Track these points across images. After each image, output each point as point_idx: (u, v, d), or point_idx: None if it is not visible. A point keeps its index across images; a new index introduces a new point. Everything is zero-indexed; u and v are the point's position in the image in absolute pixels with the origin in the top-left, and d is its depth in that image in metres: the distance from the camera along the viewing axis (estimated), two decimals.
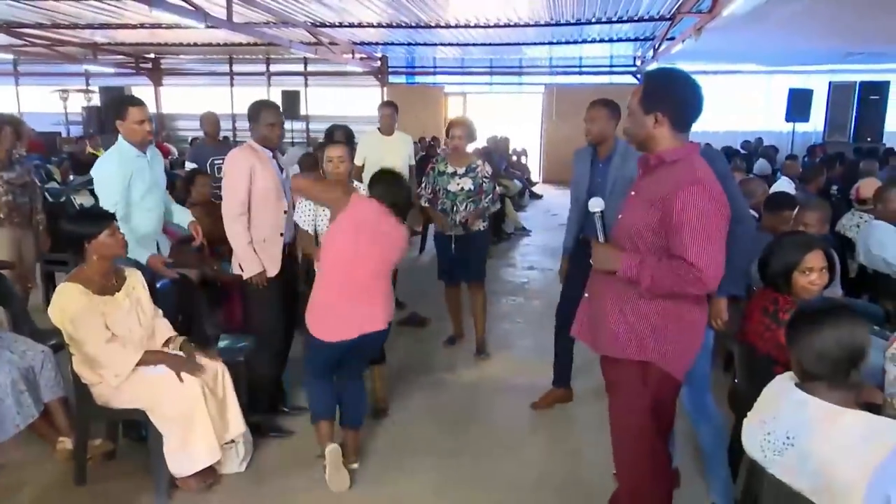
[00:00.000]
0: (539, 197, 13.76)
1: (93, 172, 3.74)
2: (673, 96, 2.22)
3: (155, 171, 3.91)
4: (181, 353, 3.23)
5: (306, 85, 16.28)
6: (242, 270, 3.61)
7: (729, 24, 8.24)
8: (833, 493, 1.69)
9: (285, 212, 3.72)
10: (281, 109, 3.82)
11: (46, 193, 8.13)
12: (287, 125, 15.76)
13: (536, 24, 11.47)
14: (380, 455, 3.62)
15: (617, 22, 11.11)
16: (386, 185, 3.25)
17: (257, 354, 3.72)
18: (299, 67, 16.30)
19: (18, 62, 16.83)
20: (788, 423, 1.81)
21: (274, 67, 16.53)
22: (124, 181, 3.63)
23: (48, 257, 5.59)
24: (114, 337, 3.01)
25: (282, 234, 3.71)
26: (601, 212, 2.37)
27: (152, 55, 16.45)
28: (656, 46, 12.47)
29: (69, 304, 2.95)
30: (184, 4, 8.04)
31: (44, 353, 3.44)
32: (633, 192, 2.35)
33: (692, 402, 2.98)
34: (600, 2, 9.73)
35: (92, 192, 8.89)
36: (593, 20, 11.07)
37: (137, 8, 10.03)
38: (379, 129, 5.92)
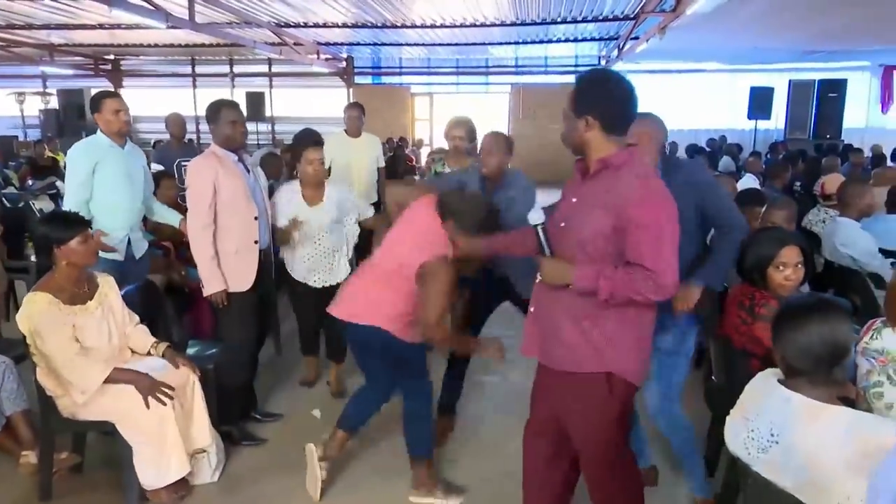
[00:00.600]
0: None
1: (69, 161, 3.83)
2: (602, 99, 2.15)
3: (130, 164, 3.90)
4: (164, 359, 3.17)
5: (271, 86, 16.10)
6: (202, 285, 3.48)
7: (692, 23, 8.36)
8: (817, 488, 1.70)
9: (256, 217, 3.57)
10: (243, 109, 3.74)
11: (4, 199, 7.94)
12: (252, 127, 15.67)
13: (502, 24, 11.50)
14: (358, 461, 3.57)
15: (581, 21, 11.19)
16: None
17: (227, 362, 3.60)
18: (264, 68, 16.12)
19: None
20: (772, 420, 1.81)
21: (238, 68, 16.32)
22: (88, 166, 3.72)
23: (7, 265, 5.42)
24: (82, 351, 2.90)
25: (256, 242, 3.57)
26: (543, 224, 2.25)
27: (112, 56, 16.12)
28: (621, 46, 12.59)
29: (36, 315, 2.83)
30: (144, 4, 7.87)
31: (4, 363, 3.31)
32: (573, 199, 2.26)
33: (664, 412, 2.94)
34: (565, 1, 9.79)
35: (52, 197, 8.74)
36: (558, 20, 11.14)
37: (96, 8, 9.80)
38: (346, 130, 5.78)
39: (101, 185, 3.79)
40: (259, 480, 3.36)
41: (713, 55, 13.69)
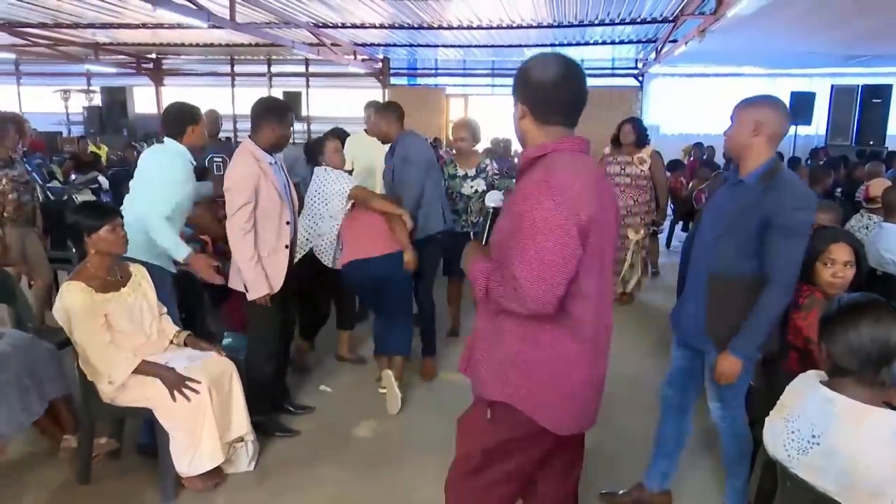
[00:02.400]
0: None
1: (160, 172, 3.52)
2: (529, 84, 1.89)
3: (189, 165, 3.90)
4: (188, 347, 3.22)
5: (308, 86, 16.23)
6: (246, 290, 3.46)
7: (733, 25, 8.21)
8: (861, 493, 1.66)
9: (288, 222, 3.56)
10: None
11: (48, 192, 8.13)
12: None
13: (539, 26, 11.45)
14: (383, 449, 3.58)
15: (619, 24, 11.10)
16: None
17: (255, 354, 3.64)
18: (301, 68, 16.24)
19: (20, 62, 16.77)
20: (814, 421, 1.77)
21: (275, 68, 16.48)
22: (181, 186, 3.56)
23: (50, 255, 5.56)
24: (113, 341, 2.96)
25: (287, 246, 3.57)
26: (495, 208, 2.11)
27: (154, 55, 16.40)
28: (659, 49, 12.46)
29: (70, 303, 2.90)
30: (187, 4, 8.00)
31: (48, 350, 3.39)
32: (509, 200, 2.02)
33: (726, 419, 2.81)
34: (603, 3, 9.71)
35: (94, 192, 8.93)
36: (596, 22, 11.05)
37: (140, 7, 10.04)
38: (366, 130, 5.46)
39: (184, 195, 3.64)
40: (291, 471, 3.39)
41: (752, 59, 13.44)
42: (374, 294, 4.22)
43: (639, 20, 10.73)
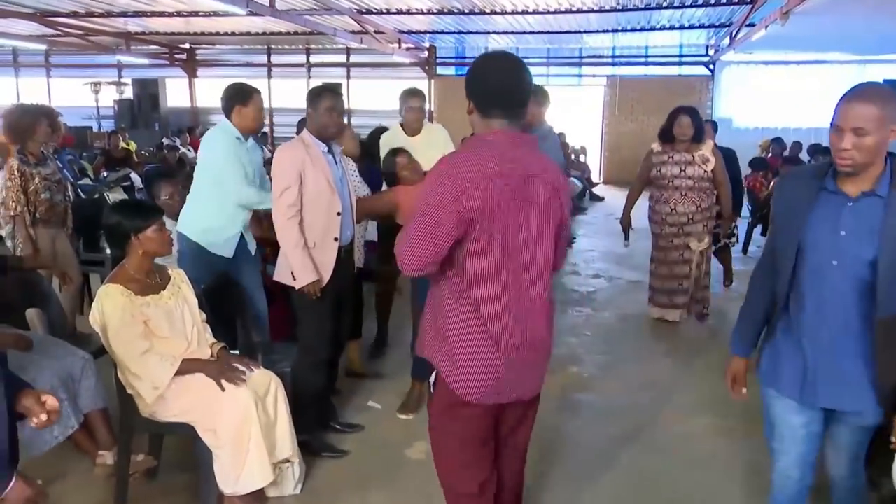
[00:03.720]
0: (600, 199, 13.56)
1: (213, 151, 3.97)
2: (472, 81, 2.23)
3: (252, 159, 4.07)
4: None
5: (348, 77, 16.37)
6: (294, 278, 3.50)
7: (821, 7, 7.97)
8: None
9: (339, 213, 3.55)
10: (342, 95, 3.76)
11: (80, 190, 8.32)
12: None
13: (601, 10, 11.30)
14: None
15: (690, 6, 10.88)
16: None
17: (303, 365, 3.63)
18: (341, 58, 16.40)
19: (50, 53, 17.28)
20: None
21: (314, 58, 16.67)
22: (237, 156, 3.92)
23: (83, 257, 5.67)
24: (153, 347, 2.98)
25: (336, 239, 3.57)
26: None
27: (187, 45, 16.73)
28: (733, 33, 12.19)
29: (108, 308, 2.92)
30: None
31: (84, 359, 3.43)
32: None
33: (851, 489, 2.55)
34: None
35: (126, 189, 9.11)
36: (664, 5, 10.86)
37: None
38: (402, 124, 5.13)
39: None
40: (340, 496, 3.36)
41: (839, 44, 13.03)
42: None
43: (712, 2, 10.52)
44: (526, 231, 2.19)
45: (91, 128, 15.91)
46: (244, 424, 2.93)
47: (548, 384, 4.49)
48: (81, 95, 15.88)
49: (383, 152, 5.15)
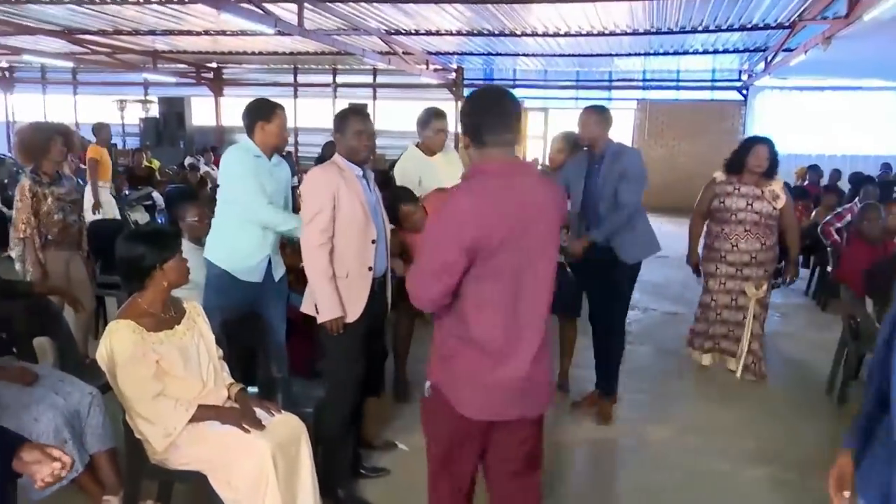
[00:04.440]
0: None
1: (230, 169, 3.78)
2: (466, 115, 2.32)
3: (277, 178, 3.86)
4: (236, 406, 2.94)
5: (375, 97, 16.26)
6: (317, 311, 3.27)
7: (864, 32, 7.69)
8: None
9: (374, 241, 3.35)
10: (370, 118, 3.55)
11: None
12: None
13: (633, 33, 11.07)
14: None
15: (726, 30, 10.61)
16: None
17: (330, 407, 3.38)
18: (367, 79, 16.30)
19: (77, 70, 17.35)
20: None
21: (340, 78, 16.59)
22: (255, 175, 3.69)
23: (100, 280, 5.47)
24: (165, 390, 2.74)
25: (370, 269, 3.35)
26: None
27: (214, 64, 16.72)
28: (768, 58, 11.90)
29: (117, 346, 2.68)
30: (254, 9, 7.97)
31: (92, 395, 3.20)
32: None
33: None
34: (709, 8, 9.27)
35: (148, 209, 8.97)
36: (699, 28, 10.59)
37: (202, 14, 10.15)
38: (422, 145, 4.87)
39: None
40: None
41: (874, 71, 12.67)
42: None
43: (749, 26, 10.24)
44: (527, 256, 2.24)
45: (115, 145, 15.88)
46: (261, 477, 2.67)
47: (582, 425, 4.29)
48: (107, 113, 15.86)
49: (400, 174, 4.95)
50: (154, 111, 16.57)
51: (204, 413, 2.77)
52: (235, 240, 3.74)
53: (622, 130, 15.78)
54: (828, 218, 6.98)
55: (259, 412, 2.91)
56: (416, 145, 4.94)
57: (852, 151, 13.75)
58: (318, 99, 16.46)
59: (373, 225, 3.35)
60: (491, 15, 9.99)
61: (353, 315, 3.30)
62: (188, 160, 13.52)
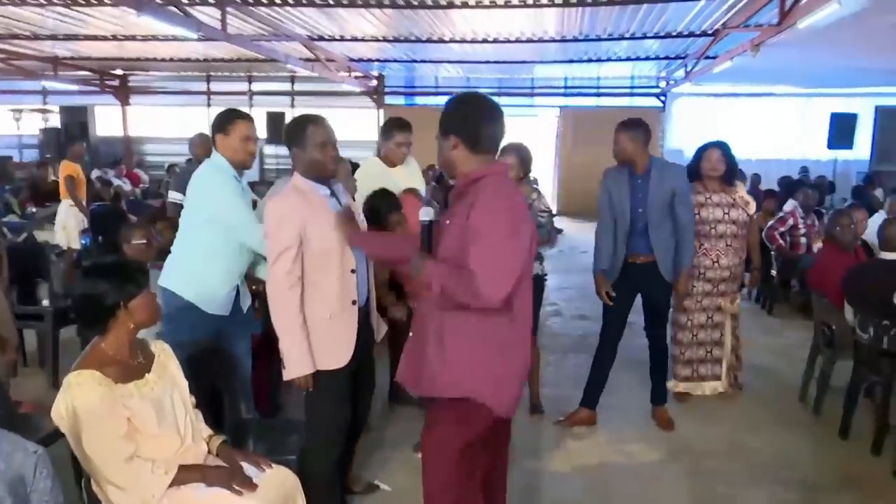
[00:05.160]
0: (559, 231, 13.22)
1: (211, 191, 3.31)
2: (463, 118, 2.37)
3: (248, 202, 3.44)
4: (222, 463, 2.55)
5: (293, 106, 15.71)
6: (283, 365, 2.81)
7: (792, 40, 7.86)
8: None
9: (353, 271, 2.89)
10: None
11: (5, 228, 7.46)
12: (272, 150, 15.28)
13: (554, 40, 11.05)
14: None
15: (649, 38, 10.71)
16: None
17: (314, 454, 2.97)
18: (285, 86, 15.75)
19: None
20: None
21: (257, 86, 15.94)
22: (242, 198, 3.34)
23: (18, 310, 4.88)
24: (139, 450, 2.32)
25: (354, 302, 2.91)
26: (430, 222, 2.47)
27: (120, 71, 15.78)
28: (688, 66, 12.13)
29: (82, 403, 2.24)
30: (176, 11, 7.44)
31: (37, 454, 2.71)
32: (447, 221, 2.42)
33: None
34: (627, 16, 9.32)
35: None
36: (617, 36, 10.65)
37: (109, 16, 9.49)
38: (382, 156, 4.50)
39: None
40: None
41: (787, 78, 13.12)
42: None
43: (674, 34, 10.37)
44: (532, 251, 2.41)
45: (11, 157, 14.77)
46: None
47: (569, 452, 4.05)
48: (2, 123, 14.77)
49: (362, 186, 4.57)
50: (54, 121, 15.48)
51: (186, 475, 2.36)
52: (204, 268, 3.29)
53: (546, 138, 15.83)
54: (771, 223, 7.02)
55: (247, 467, 2.53)
56: (378, 156, 4.58)
57: (765, 156, 14.19)
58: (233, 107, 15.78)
59: (349, 252, 2.90)
60: (413, 22, 9.78)
61: (342, 360, 2.88)
62: (95, 173, 12.68)
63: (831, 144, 12.32)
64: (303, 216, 2.77)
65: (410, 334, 2.55)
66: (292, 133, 2.89)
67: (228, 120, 3.34)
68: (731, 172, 4.72)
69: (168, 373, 2.54)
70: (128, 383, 2.35)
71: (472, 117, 2.37)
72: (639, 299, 4.34)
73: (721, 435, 4.29)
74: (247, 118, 3.38)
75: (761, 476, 3.78)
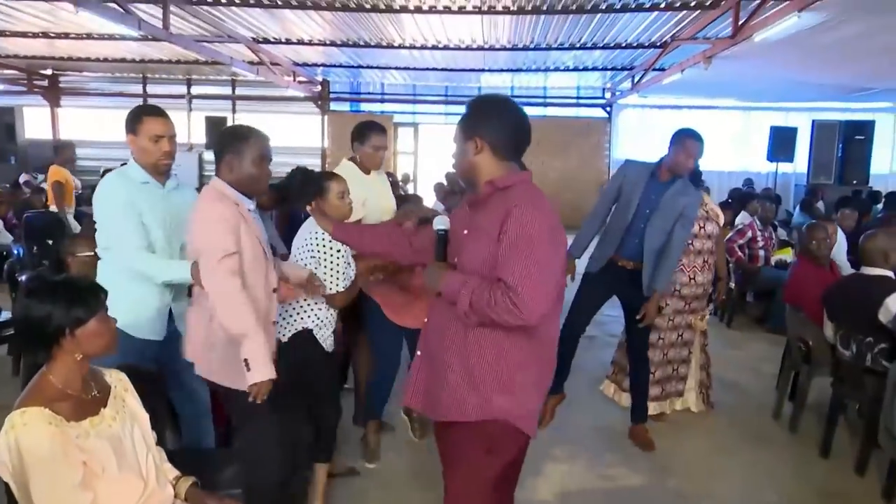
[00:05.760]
0: None
1: (99, 206, 3.00)
2: (492, 121, 2.20)
3: (173, 210, 3.03)
4: None
5: (234, 111, 15.20)
6: (248, 368, 2.51)
7: (750, 52, 7.90)
8: None
9: (274, 290, 2.77)
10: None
11: None
12: (211, 157, 14.65)
13: (503, 48, 10.96)
14: None
15: (596, 48, 10.71)
16: None
17: (251, 490, 2.68)
18: (226, 90, 15.23)
19: None
20: None
21: (196, 89, 15.37)
22: (133, 211, 2.91)
23: None
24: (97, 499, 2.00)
25: (275, 323, 2.80)
26: (444, 231, 2.28)
27: (50, 71, 15.00)
28: (635, 77, 12.19)
29: (28, 446, 1.90)
30: (116, 7, 7.02)
31: None
32: (465, 231, 2.24)
33: None
34: (575, 27, 9.32)
35: None
36: (564, 45, 10.63)
37: (39, 12, 8.96)
38: (359, 161, 4.17)
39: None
40: None
41: (728, 91, 13.32)
42: None
43: (623, 44, 10.39)
44: None
45: None
46: None
47: (547, 477, 3.84)
48: None
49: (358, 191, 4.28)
50: None
51: None
52: (126, 290, 2.85)
53: None
54: (730, 235, 6.96)
55: None
56: (351, 160, 4.28)
57: (709, 167, 14.36)
58: (171, 111, 14.99)
59: (272, 270, 2.77)
60: (361, 25, 9.56)
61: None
62: (23, 177, 11.95)
63: (771, 157, 12.57)
64: (239, 222, 2.59)
65: (418, 353, 2.36)
66: (230, 139, 2.68)
67: (136, 118, 2.97)
68: (696, 178, 4.55)
69: (126, 407, 2.23)
70: (81, 421, 2.04)
71: (503, 120, 2.20)
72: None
73: (700, 456, 4.15)
74: (157, 114, 3.02)
75: (746, 499, 3.66)
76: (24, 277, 4.48)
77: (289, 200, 5.90)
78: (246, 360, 2.51)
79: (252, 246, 2.63)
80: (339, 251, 3.17)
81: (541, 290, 1.99)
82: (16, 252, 5.84)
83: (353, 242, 2.77)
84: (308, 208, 3.23)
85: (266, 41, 10.64)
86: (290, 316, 3.17)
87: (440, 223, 2.28)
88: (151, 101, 15.31)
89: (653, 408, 4.59)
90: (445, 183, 9.73)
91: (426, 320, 2.35)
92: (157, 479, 2.20)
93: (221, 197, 2.63)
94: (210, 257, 2.53)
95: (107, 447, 2.05)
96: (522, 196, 2.10)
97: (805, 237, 4.61)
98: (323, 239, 3.14)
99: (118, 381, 2.28)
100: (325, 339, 3.24)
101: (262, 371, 2.50)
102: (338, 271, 3.18)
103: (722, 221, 4.67)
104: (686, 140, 3.85)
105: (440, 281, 2.14)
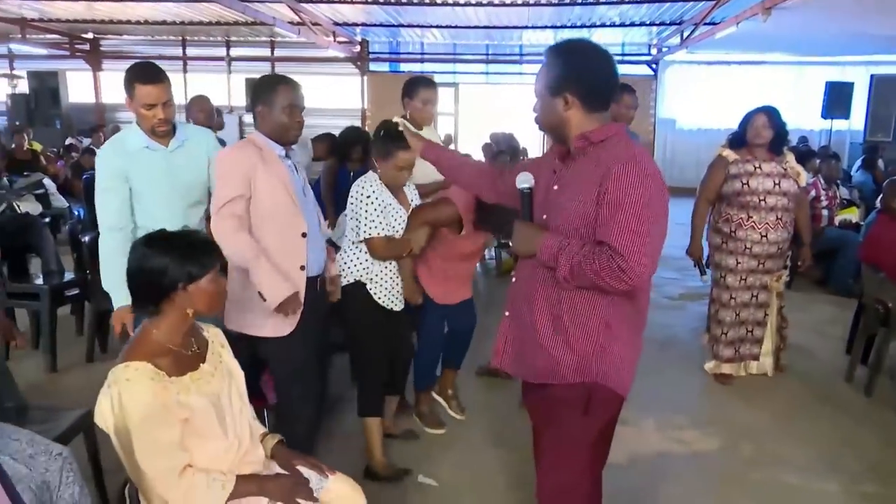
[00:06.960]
0: None
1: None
2: (580, 73, 2.05)
3: (175, 169, 3.05)
4: (280, 470, 2.25)
5: (273, 72, 15.16)
6: (264, 299, 2.65)
7: (807, 3, 7.61)
8: None
9: (304, 234, 2.82)
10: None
11: None
12: (251, 119, 14.67)
13: (544, 4, 10.70)
14: None
15: (641, 2, 10.40)
16: None
17: (300, 401, 2.92)
18: (265, 52, 15.18)
19: None
20: None
21: (235, 51, 15.35)
22: (120, 185, 2.98)
23: (10, 289, 4.51)
24: (194, 459, 2.01)
25: (303, 268, 2.81)
26: (529, 189, 2.17)
27: (90, 35, 15.08)
28: (684, 32, 11.86)
29: (131, 402, 1.90)
30: None
31: (61, 456, 2.40)
32: (555, 187, 2.13)
33: None
34: None
35: (39, 198, 7.78)
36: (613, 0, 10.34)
37: None
38: (409, 118, 4.11)
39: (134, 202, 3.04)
40: None
41: (780, 45, 12.88)
42: None
43: None
44: None
45: None
46: None
47: (620, 440, 3.78)
48: None
49: None
50: (23, 87, 14.77)
51: (244, 487, 2.04)
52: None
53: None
54: None
55: (307, 473, 2.23)
56: (402, 117, 4.21)
57: None
58: (210, 73, 15.17)
59: (302, 214, 2.82)
60: None
61: (287, 326, 2.78)
62: (69, 140, 12.10)
63: (825, 114, 12.17)
64: (255, 166, 2.70)
65: (507, 314, 2.29)
66: (261, 90, 2.77)
67: (129, 84, 2.94)
68: (780, 140, 4.45)
69: (224, 363, 2.23)
70: (183, 376, 2.04)
71: (592, 72, 2.06)
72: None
73: (775, 420, 4.08)
74: (149, 80, 2.93)
75: (828, 466, 3.58)
76: (86, 238, 4.53)
77: (339, 157, 5.91)
78: (259, 292, 2.66)
79: (272, 189, 2.72)
80: (375, 205, 3.18)
81: (648, 253, 1.90)
82: (76, 213, 5.90)
83: (442, 163, 2.75)
84: (399, 125, 3.32)
85: (307, 0, 10.55)
86: (346, 265, 3.27)
87: (523, 180, 2.18)
88: (191, 64, 15.37)
89: (727, 368, 4.56)
90: (492, 144, 9.60)
91: (513, 280, 2.28)
92: (250, 439, 2.20)
93: (242, 145, 2.80)
94: (214, 206, 2.73)
95: (206, 404, 2.05)
96: (622, 152, 1.99)
97: (888, 193, 4.44)
98: (365, 189, 3.20)
99: (215, 335, 2.28)
100: (381, 296, 3.28)
101: (277, 292, 2.65)
102: (376, 222, 3.18)
103: (803, 180, 4.51)
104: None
105: (535, 244, 2.05)
